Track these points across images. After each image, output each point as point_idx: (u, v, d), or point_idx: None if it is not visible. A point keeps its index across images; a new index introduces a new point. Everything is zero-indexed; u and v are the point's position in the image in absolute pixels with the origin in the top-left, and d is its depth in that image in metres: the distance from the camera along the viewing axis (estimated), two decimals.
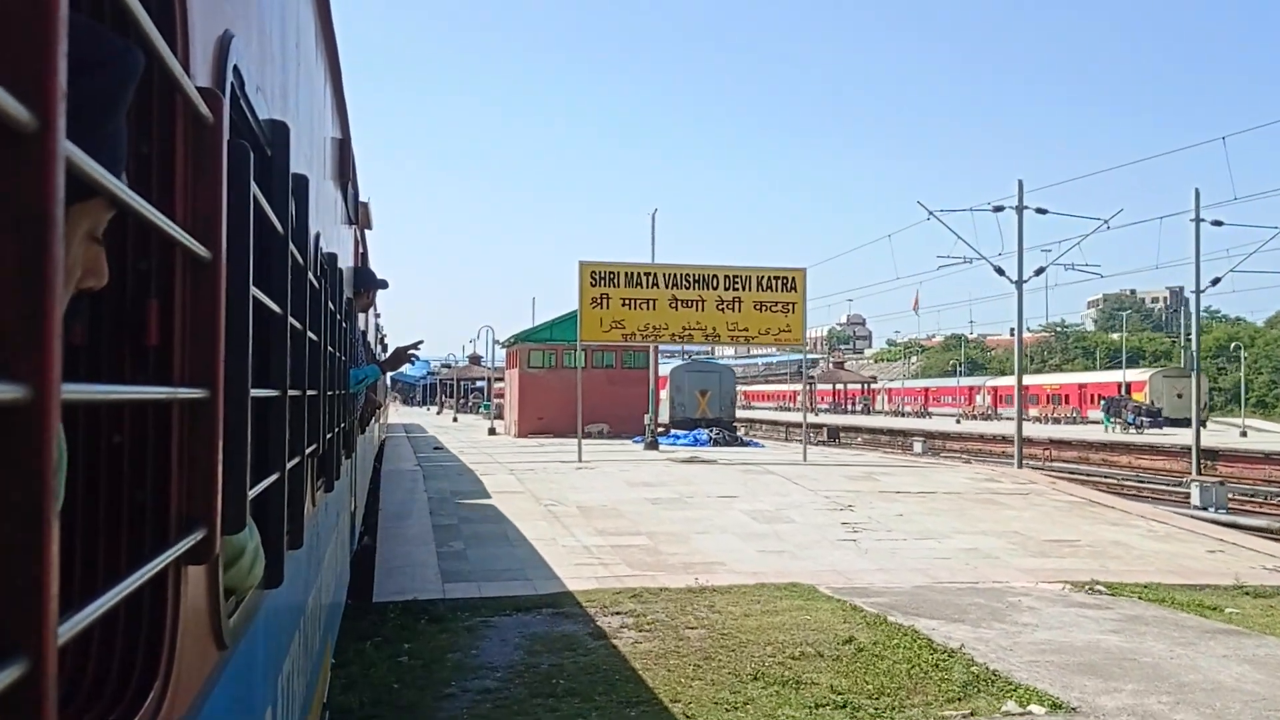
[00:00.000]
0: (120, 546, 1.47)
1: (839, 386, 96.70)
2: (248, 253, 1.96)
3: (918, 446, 41.74)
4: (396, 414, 78.98)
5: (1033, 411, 73.92)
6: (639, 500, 16.71)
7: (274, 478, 2.55)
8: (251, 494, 2.06)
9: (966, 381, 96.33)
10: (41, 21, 0.80)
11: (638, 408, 35.91)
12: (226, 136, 1.69)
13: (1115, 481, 30.01)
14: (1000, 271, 28.25)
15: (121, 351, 1.49)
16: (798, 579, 10.52)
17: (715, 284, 26.44)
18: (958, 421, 67.61)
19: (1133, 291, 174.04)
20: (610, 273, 26.25)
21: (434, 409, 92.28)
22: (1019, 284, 27.53)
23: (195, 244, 1.48)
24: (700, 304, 26.37)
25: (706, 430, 35.72)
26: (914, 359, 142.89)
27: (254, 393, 2.10)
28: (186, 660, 1.56)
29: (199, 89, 1.55)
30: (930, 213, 29.26)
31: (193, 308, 1.56)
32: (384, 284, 9.20)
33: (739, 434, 40.04)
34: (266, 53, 2.77)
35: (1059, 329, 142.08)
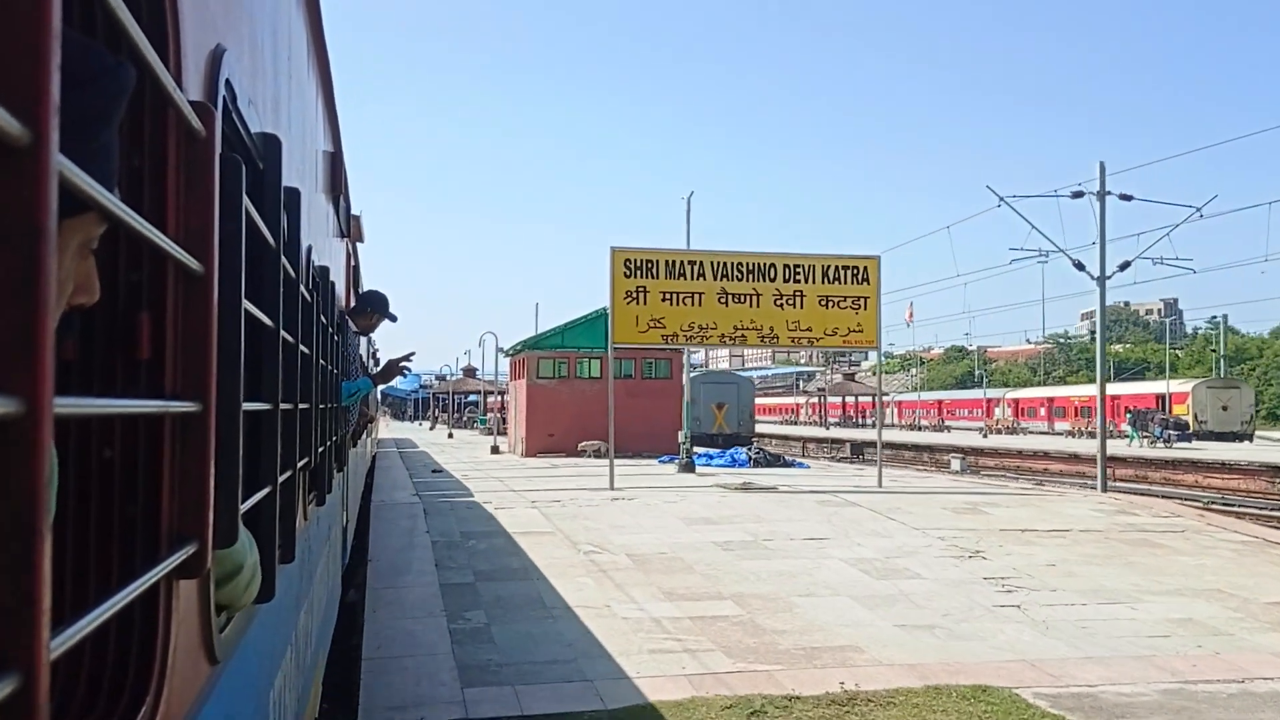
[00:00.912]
0: (111, 561, 1.47)
1: (849, 399, 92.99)
2: (239, 266, 1.96)
3: (955, 464, 37.18)
4: (387, 429, 76.28)
5: (1062, 425, 71.18)
6: (704, 545, 13.22)
7: (265, 492, 2.54)
8: (243, 508, 2.06)
9: (985, 394, 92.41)
10: (34, 35, 0.80)
11: (661, 423, 33.68)
12: (219, 150, 1.69)
13: (1201, 504, 24.89)
14: (1080, 266, 24.62)
15: (113, 365, 1.49)
16: (979, 676, 7.49)
17: (773, 274, 22.32)
18: (984, 435, 64.51)
19: (1126, 304, 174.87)
20: (648, 261, 22.19)
21: (425, 424, 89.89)
22: (1101, 280, 24.22)
23: (187, 257, 1.48)
24: (755, 299, 22.30)
25: (744, 449, 32.07)
26: (912, 371, 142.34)
27: (246, 406, 2.10)
28: (178, 674, 1.55)
29: (191, 103, 1.55)
30: (1001, 199, 25.34)
31: (184, 321, 1.55)
32: (393, 317, 8.79)
33: (774, 452, 35.83)
34: (259, 66, 2.77)
35: (1060, 340, 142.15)
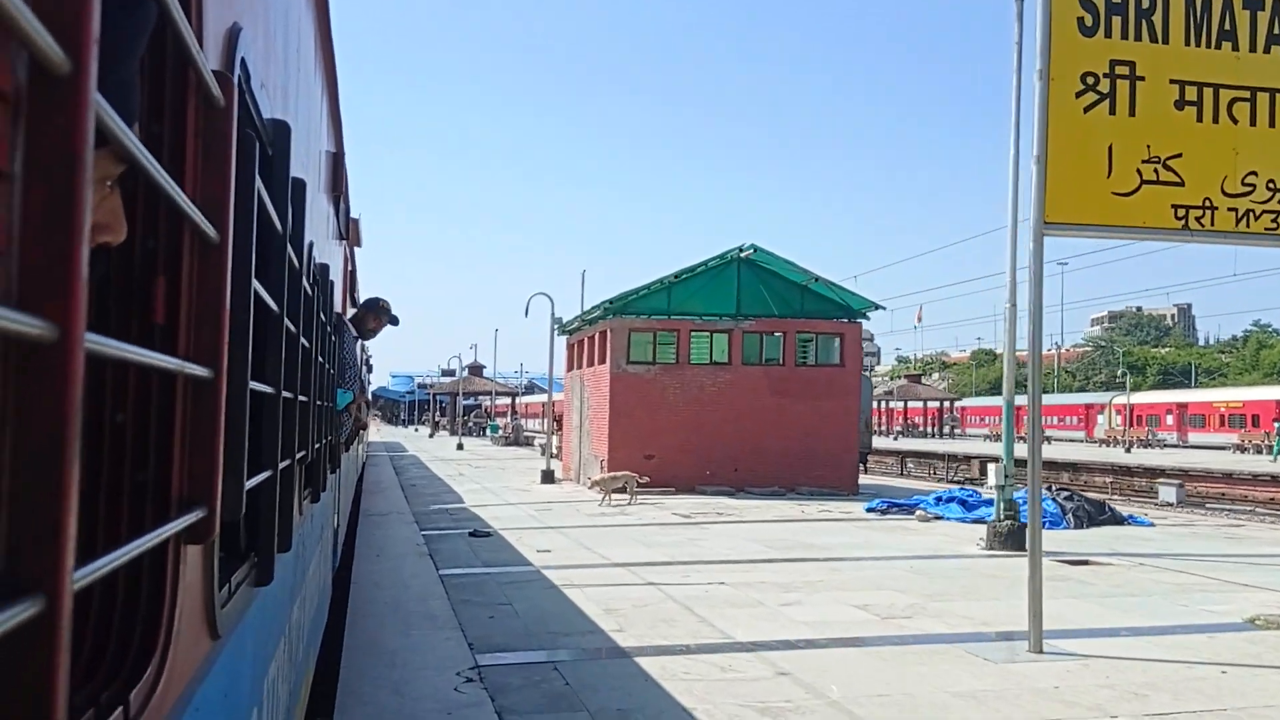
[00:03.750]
0: (121, 526, 1.47)
1: (913, 405, 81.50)
2: (251, 243, 1.97)
3: (1169, 494, 26.42)
4: (378, 433, 66.10)
5: (1216, 438, 59.63)
6: None
7: (266, 475, 2.54)
8: (248, 485, 2.06)
9: (1082, 399, 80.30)
10: None
11: (824, 435, 23.36)
12: (236, 122, 1.70)
13: None
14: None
15: (128, 328, 1.50)
16: None
17: None
18: (1127, 450, 52.93)
19: (1139, 308, 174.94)
20: None
21: (423, 429, 78.05)
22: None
23: (205, 223, 1.49)
24: None
25: (1051, 499, 17.39)
26: (934, 375, 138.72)
27: (251, 385, 2.10)
28: (183, 642, 1.55)
29: (213, 72, 1.56)
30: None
31: (199, 288, 1.56)
32: (395, 320, 8.71)
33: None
34: (271, 51, 2.78)
35: (1102, 343, 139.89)
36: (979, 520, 16.81)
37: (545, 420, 35.47)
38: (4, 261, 0.80)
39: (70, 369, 0.81)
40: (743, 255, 24.17)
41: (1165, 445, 59.71)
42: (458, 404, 65.12)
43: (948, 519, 17.99)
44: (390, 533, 15.19)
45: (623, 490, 20.22)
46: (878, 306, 25.11)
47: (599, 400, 24.48)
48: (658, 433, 23.05)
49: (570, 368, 29.69)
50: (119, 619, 1.40)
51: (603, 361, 24.24)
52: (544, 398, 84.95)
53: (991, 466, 14.78)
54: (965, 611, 9.48)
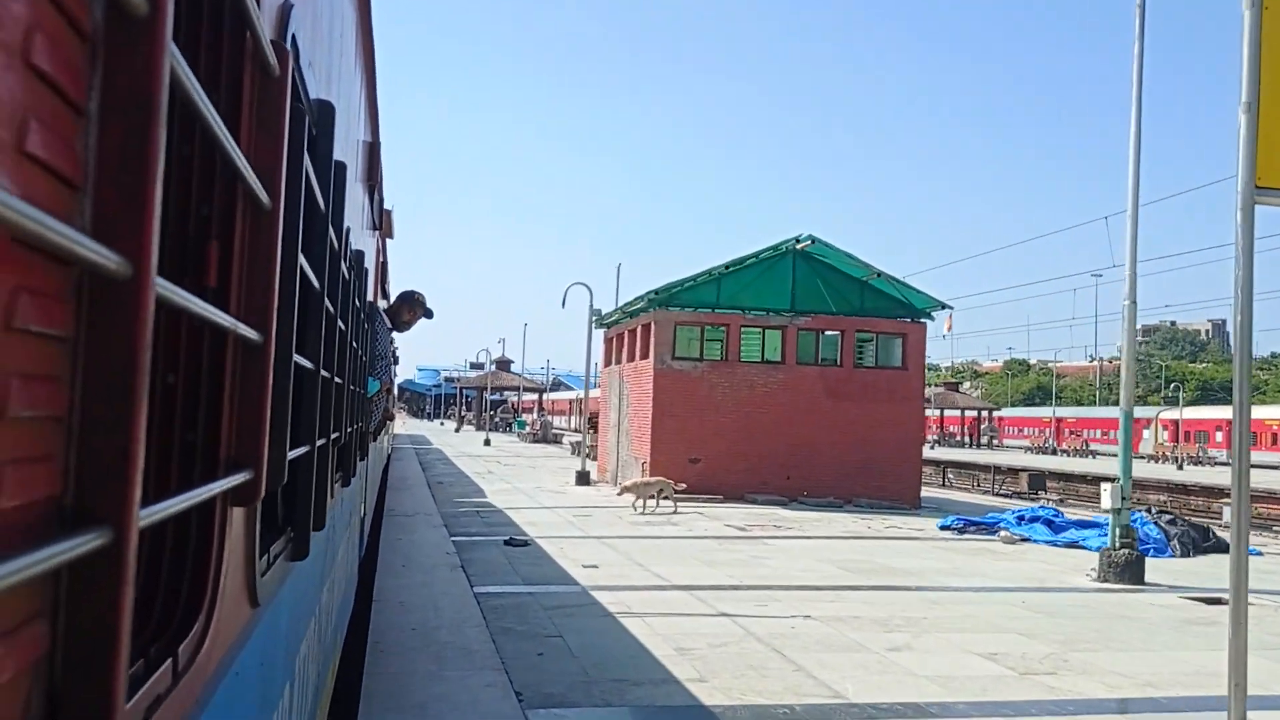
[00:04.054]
0: (170, 484, 1.48)
1: (949, 413, 75.69)
2: (299, 215, 1.98)
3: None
4: (403, 425, 65.10)
5: (1269, 456, 54.01)
6: None
7: (304, 450, 2.56)
8: (290, 455, 2.07)
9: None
10: None
11: (886, 443, 21.88)
12: (290, 92, 1.71)
13: None
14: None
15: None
16: None
17: None
18: (1179, 467, 49.26)
19: (1173, 323, 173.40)
20: None
21: (449, 424, 76.68)
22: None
23: (259, 187, 1.50)
24: None
25: (1145, 514, 17.02)
26: (965, 385, 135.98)
27: (295, 358, 2.12)
28: (227, 603, 1.57)
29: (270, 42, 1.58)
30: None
31: (251, 254, 1.58)
32: (430, 313, 8.65)
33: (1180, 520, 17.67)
34: (318, 31, 2.80)
35: (1141, 358, 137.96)
36: (1072, 544, 15.81)
37: (580, 418, 33.93)
38: (79, 198, 0.81)
39: (142, 306, 0.82)
40: (799, 246, 22.45)
41: (1216, 463, 55.79)
42: (484, 399, 63.46)
43: (1035, 541, 16.45)
44: (417, 537, 13.87)
45: (665, 497, 18.60)
46: (944, 306, 23.51)
47: (640, 398, 22.72)
48: (704, 435, 21.44)
49: (608, 363, 27.78)
50: (166, 575, 1.42)
51: (645, 356, 22.50)
52: (572, 394, 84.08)
53: (1106, 487, 13.02)
54: (1115, 665, 8.06)
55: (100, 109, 0.82)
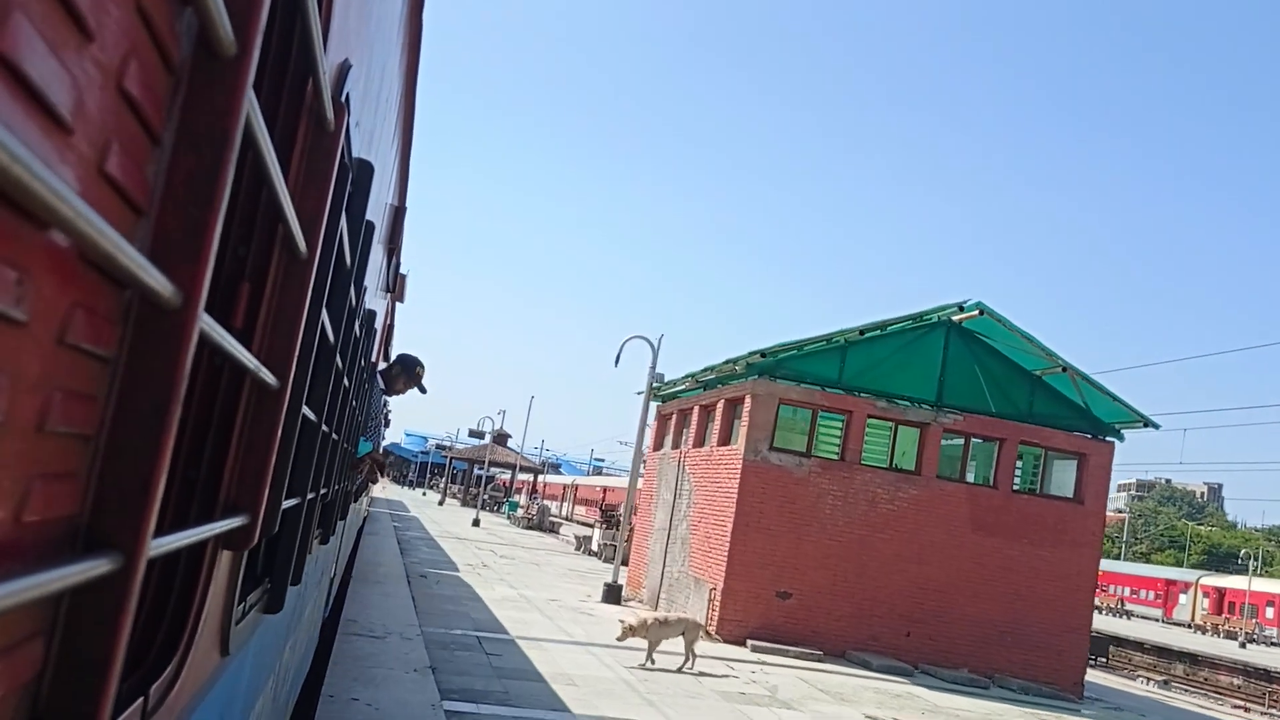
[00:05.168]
0: (165, 522, 1.47)
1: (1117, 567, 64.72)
2: (329, 267, 2.00)
3: None
4: (383, 490, 60.74)
5: None
6: None
7: (296, 501, 2.54)
8: (284, 506, 2.05)
9: (1161, 573, 64.58)
10: None
11: (1046, 608, 16.57)
12: (342, 147, 1.74)
13: None
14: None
15: None
16: None
17: None
18: (1244, 645, 43.33)
19: (1168, 480, 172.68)
20: None
21: (432, 494, 73.73)
22: None
23: (299, 236, 1.52)
24: None
25: None
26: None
27: (303, 409, 2.11)
28: (202, 647, 1.54)
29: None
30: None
31: (280, 298, 1.58)
32: (423, 389, 8.57)
33: None
34: (368, 94, 2.86)
35: (1145, 514, 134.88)
36: None
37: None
38: (141, 224, 0.82)
39: (187, 337, 0.82)
40: (957, 318, 16.95)
41: (1272, 642, 50.54)
42: (474, 473, 59.61)
43: None
44: (385, 695, 8.51)
45: (690, 644, 12.55)
46: (1147, 423, 17.26)
47: (715, 498, 16.84)
48: (801, 560, 15.83)
49: (658, 445, 22.08)
50: (147, 611, 1.39)
51: (726, 442, 16.94)
52: (566, 479, 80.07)
53: None
54: None
55: (175, 140, 0.83)
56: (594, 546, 29.64)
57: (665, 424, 21.95)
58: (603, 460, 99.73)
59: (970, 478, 17.28)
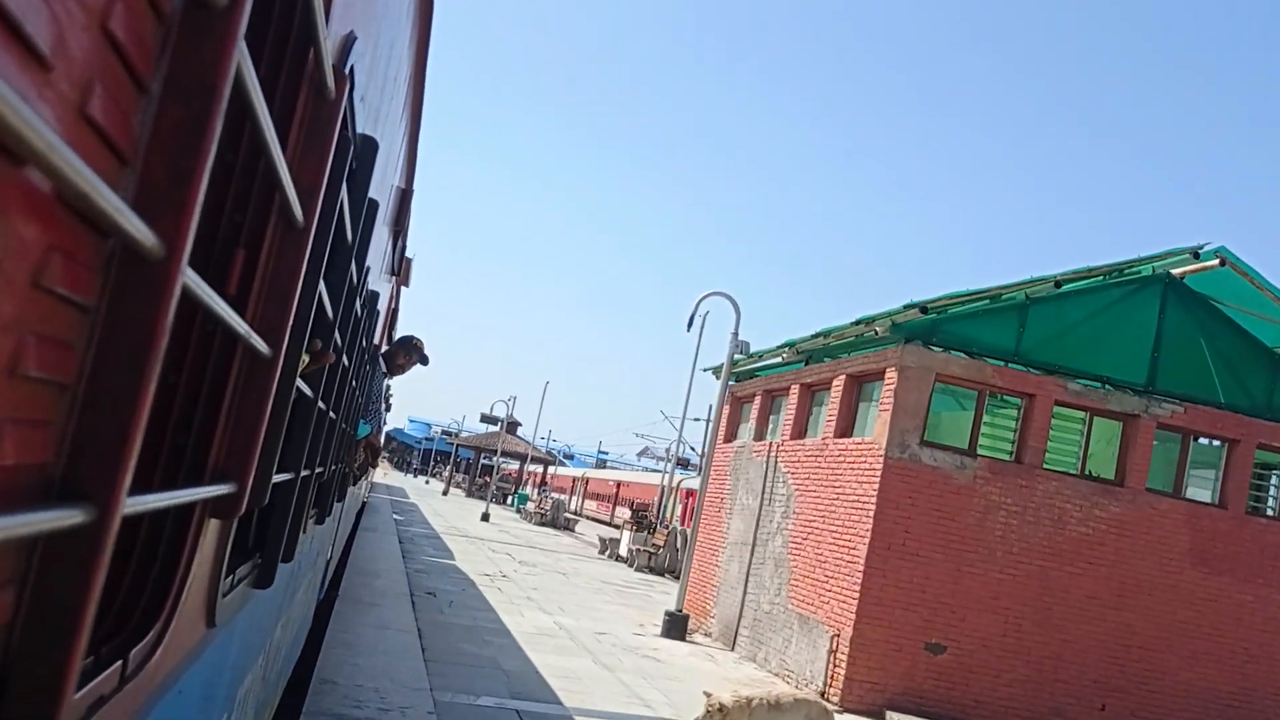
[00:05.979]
0: (151, 484, 1.46)
1: None
2: (327, 240, 1.98)
3: None
4: (384, 475, 59.84)
5: None
6: None
7: (289, 476, 2.53)
8: (275, 479, 2.04)
9: None
10: None
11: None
12: (341, 117, 1.73)
13: None
14: None
15: None
16: None
17: None
18: None
19: None
20: None
21: (435, 482, 71.34)
22: None
23: (296, 206, 1.50)
24: None
25: None
26: None
27: (297, 382, 2.10)
28: (186, 616, 1.53)
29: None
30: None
31: (275, 266, 1.57)
32: (426, 360, 8.57)
33: None
34: (374, 69, 2.84)
35: None
36: None
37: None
38: (126, 173, 0.80)
39: (169, 290, 0.81)
40: (1181, 271, 12.58)
41: None
42: (481, 461, 56.70)
43: None
44: None
45: None
46: None
47: (834, 507, 12.49)
48: (962, 600, 11.60)
49: (729, 437, 17.39)
50: (131, 574, 1.38)
51: (848, 432, 12.86)
52: (576, 471, 73.67)
53: None
54: None
55: (163, 90, 0.82)
56: (623, 551, 25.87)
57: (739, 409, 17.38)
58: (607, 454, 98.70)
59: (1196, 493, 12.75)
